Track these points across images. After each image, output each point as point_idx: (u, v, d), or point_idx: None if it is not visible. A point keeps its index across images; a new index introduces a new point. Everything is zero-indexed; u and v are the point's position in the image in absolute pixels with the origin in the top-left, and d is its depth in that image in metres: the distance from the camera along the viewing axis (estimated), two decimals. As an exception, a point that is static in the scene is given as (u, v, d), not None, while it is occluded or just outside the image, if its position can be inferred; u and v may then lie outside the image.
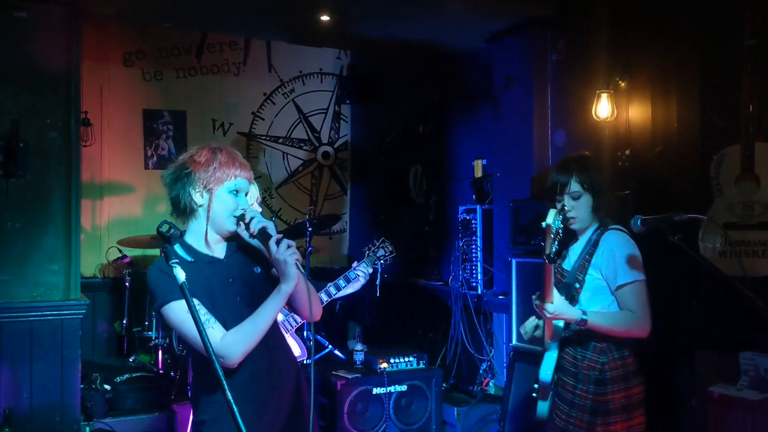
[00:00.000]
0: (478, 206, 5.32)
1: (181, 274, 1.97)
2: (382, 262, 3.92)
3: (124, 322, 5.86)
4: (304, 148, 7.38)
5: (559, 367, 2.90)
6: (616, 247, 2.82)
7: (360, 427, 4.67)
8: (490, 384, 5.16)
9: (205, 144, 2.39)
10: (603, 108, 4.28)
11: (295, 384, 2.44)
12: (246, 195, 2.37)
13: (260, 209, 3.28)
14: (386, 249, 3.94)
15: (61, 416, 4.43)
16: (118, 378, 5.07)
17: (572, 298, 2.87)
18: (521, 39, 5.02)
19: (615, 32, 4.32)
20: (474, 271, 5.29)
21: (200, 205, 2.30)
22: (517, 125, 5.07)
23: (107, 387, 4.94)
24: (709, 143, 3.70)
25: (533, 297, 2.80)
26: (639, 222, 2.62)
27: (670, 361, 3.88)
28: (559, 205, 2.87)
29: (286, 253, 2.17)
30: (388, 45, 5.76)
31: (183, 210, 2.33)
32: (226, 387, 1.76)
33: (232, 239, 2.38)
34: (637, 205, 3.77)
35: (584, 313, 2.75)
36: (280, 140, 7.26)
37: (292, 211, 7.27)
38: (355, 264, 3.78)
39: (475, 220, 5.30)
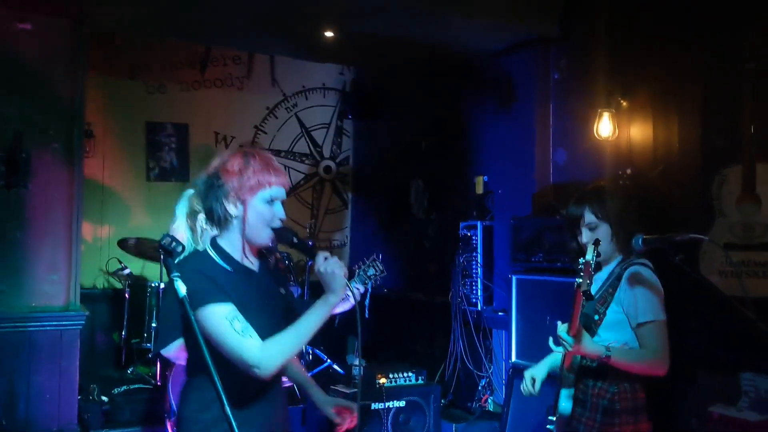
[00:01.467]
0: (479, 222, 5.33)
1: (182, 288, 1.93)
2: (372, 281, 3.70)
3: (123, 333, 5.85)
4: (306, 162, 7.40)
5: (576, 397, 2.83)
6: (640, 284, 2.77)
7: (357, 443, 4.64)
8: (489, 401, 5.14)
9: (238, 149, 2.26)
10: (604, 127, 4.30)
11: (283, 408, 2.37)
12: (282, 203, 2.24)
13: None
14: (377, 268, 3.70)
15: (58, 427, 4.41)
16: (115, 389, 5.06)
17: (589, 328, 2.81)
18: (523, 57, 5.05)
19: (617, 52, 4.34)
20: (474, 287, 5.29)
21: (234, 216, 2.19)
22: (518, 142, 5.09)
23: (104, 398, 4.93)
24: (710, 163, 3.71)
25: (560, 328, 2.73)
26: (640, 241, 2.62)
27: (671, 381, 3.86)
28: (582, 238, 2.85)
29: (336, 265, 2.11)
30: (390, 61, 5.79)
31: (218, 221, 2.22)
32: (224, 399, 1.74)
33: (262, 253, 2.30)
34: (638, 225, 3.76)
35: (608, 349, 2.70)
36: (282, 154, 7.28)
37: (293, 224, 7.28)
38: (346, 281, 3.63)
39: (476, 236, 5.30)
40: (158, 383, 5.36)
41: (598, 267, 2.94)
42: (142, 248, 5.89)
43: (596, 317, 2.83)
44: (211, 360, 2.01)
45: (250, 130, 7.15)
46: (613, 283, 2.82)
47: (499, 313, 5.08)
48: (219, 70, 6.96)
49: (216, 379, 1.77)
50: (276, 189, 2.20)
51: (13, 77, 4.42)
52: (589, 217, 2.85)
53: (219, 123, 6.99)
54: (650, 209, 3.96)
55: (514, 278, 4.60)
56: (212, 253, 2.21)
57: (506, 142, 5.23)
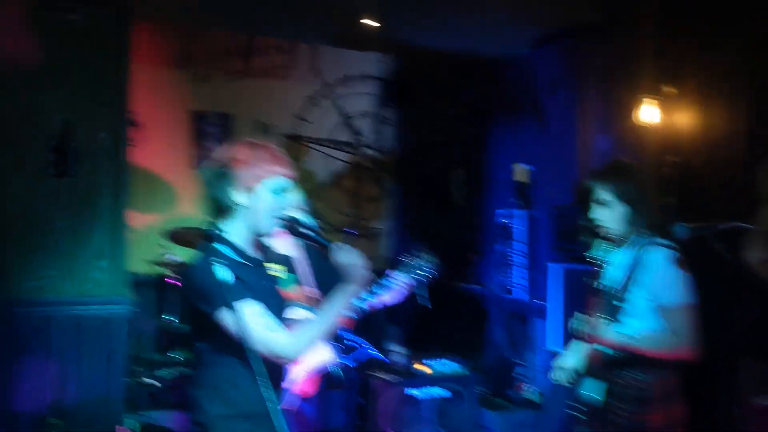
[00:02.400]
0: (519, 211, 5.29)
1: (223, 272, 2.00)
2: (420, 273, 3.55)
3: (170, 318, 5.98)
4: (347, 150, 7.42)
5: (606, 388, 2.80)
6: (663, 267, 2.68)
7: (397, 429, 4.68)
8: (528, 389, 5.12)
9: (243, 140, 2.28)
10: (649, 114, 4.22)
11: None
12: (288, 194, 2.28)
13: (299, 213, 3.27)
14: (426, 260, 3.57)
15: (106, 409, 4.55)
16: (161, 373, 5.18)
17: (615, 317, 2.75)
18: (567, 44, 4.98)
19: (662, 38, 4.25)
20: (513, 276, 5.26)
21: (240, 205, 2.20)
22: (560, 130, 5.03)
23: (151, 382, 5.05)
24: (756, 151, 3.61)
25: (577, 320, 2.70)
26: (682, 230, 2.57)
27: (712, 371, 3.79)
28: (591, 213, 2.79)
29: (354, 255, 2.18)
30: (432, 49, 5.77)
31: (222, 209, 2.22)
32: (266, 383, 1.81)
33: (261, 244, 2.31)
34: (680, 213, 3.69)
35: (629, 337, 2.67)
36: (324, 142, 7.32)
37: (333, 213, 7.32)
38: (389, 272, 3.54)
39: (516, 224, 5.27)
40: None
41: (615, 249, 2.86)
42: (187, 237, 6.00)
43: (618, 304, 2.75)
44: (231, 353, 2.12)
45: (292, 119, 7.21)
46: (631, 266, 2.72)
47: (538, 302, 5.05)
48: (262, 60, 7.02)
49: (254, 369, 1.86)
50: (282, 178, 2.22)
51: (62, 67, 4.53)
52: (600, 193, 2.75)
53: (262, 112, 7.05)
54: (693, 198, 3.89)
55: (553, 267, 4.56)
56: (223, 248, 2.20)
57: (548, 129, 5.17)
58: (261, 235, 2.26)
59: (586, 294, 2.80)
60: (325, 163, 7.37)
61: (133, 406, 4.77)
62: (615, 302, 2.73)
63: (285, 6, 4.86)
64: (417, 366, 4.79)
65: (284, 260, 3.27)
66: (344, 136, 7.41)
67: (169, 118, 6.70)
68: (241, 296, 2.10)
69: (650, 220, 2.79)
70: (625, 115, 4.48)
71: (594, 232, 2.82)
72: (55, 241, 4.50)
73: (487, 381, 5.39)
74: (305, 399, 3.38)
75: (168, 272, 6.15)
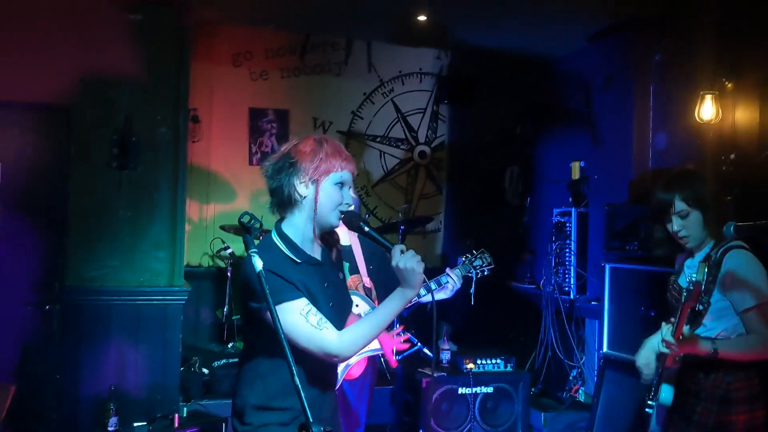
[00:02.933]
0: (573, 209, 5.21)
1: (258, 263, 2.01)
2: (477, 272, 3.67)
3: (225, 310, 6.13)
4: (402, 147, 7.45)
5: (680, 389, 2.78)
6: (741, 268, 2.69)
7: (444, 426, 4.68)
8: (580, 391, 5.04)
9: (308, 134, 2.30)
10: (707, 110, 4.10)
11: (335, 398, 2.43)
12: (350, 189, 2.29)
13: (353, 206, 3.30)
14: (484, 260, 3.69)
15: (162, 395, 4.69)
16: (215, 362, 5.31)
17: (695, 320, 2.71)
18: (622, 39, 4.87)
19: (722, 31, 4.12)
20: (567, 276, 5.18)
21: (304, 197, 2.20)
22: (616, 127, 4.93)
23: (205, 371, 5.18)
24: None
25: (665, 331, 2.65)
26: (732, 229, 2.50)
27: None
28: (669, 227, 2.79)
29: (414, 261, 2.10)
30: (486, 45, 5.73)
31: (285, 201, 2.23)
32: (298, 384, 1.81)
33: (325, 238, 2.32)
34: (739, 212, 3.58)
35: (714, 342, 2.65)
36: (378, 139, 7.36)
37: (387, 209, 7.36)
38: (448, 269, 3.60)
39: (570, 223, 5.19)
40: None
41: (690, 254, 2.85)
42: (238, 230, 6.14)
43: (700, 308, 2.70)
44: (277, 350, 2.07)
45: (347, 116, 7.27)
46: (712, 270, 2.69)
47: (592, 302, 4.96)
48: (318, 57, 7.10)
49: (293, 366, 1.84)
50: (346, 174, 2.24)
51: (125, 65, 4.69)
52: (679, 204, 2.76)
53: (317, 109, 7.15)
54: (754, 196, 3.76)
55: (607, 267, 4.48)
56: (279, 242, 2.23)
57: (604, 126, 5.08)
58: (324, 228, 2.26)
59: (651, 297, 2.77)
60: (380, 160, 7.41)
61: (188, 394, 4.89)
62: (698, 306, 2.71)
63: (340, 3, 4.90)
64: (467, 364, 4.77)
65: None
66: (399, 133, 7.44)
67: (227, 114, 6.86)
68: (288, 293, 2.12)
69: (723, 221, 2.76)
70: (682, 110, 4.36)
71: (672, 242, 2.82)
72: (116, 232, 4.67)
73: (538, 381, 5.34)
74: (350, 382, 3.43)
75: (224, 264, 6.31)
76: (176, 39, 4.83)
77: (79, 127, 4.63)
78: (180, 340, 4.80)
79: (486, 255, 3.74)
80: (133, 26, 4.70)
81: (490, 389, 4.80)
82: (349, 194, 2.27)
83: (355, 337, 2.15)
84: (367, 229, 2.23)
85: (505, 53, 5.96)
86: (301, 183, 2.20)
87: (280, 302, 2.12)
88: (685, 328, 2.64)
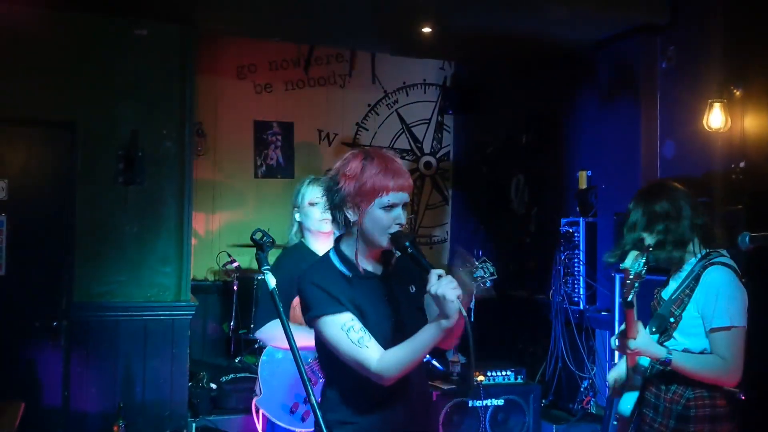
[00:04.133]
0: (581, 219, 5.18)
1: (271, 281, 2.00)
2: (479, 283, 3.60)
3: (232, 324, 6.10)
4: (407, 158, 7.44)
5: (640, 400, 2.74)
6: (718, 286, 2.61)
7: (455, 439, 4.64)
8: (591, 403, 4.99)
9: (359, 150, 2.20)
10: (716, 118, 4.08)
11: (423, 414, 2.32)
12: (404, 207, 2.16)
13: (322, 211, 3.17)
14: (486, 270, 3.61)
15: (170, 411, 4.68)
16: (223, 378, 5.28)
17: (665, 332, 2.69)
18: (629, 46, 4.85)
19: (730, 38, 4.10)
20: (576, 286, 5.15)
21: (353, 222, 2.14)
22: (623, 135, 4.91)
23: (213, 386, 5.16)
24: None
25: (613, 338, 2.68)
26: (747, 239, 2.47)
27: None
28: (648, 240, 2.72)
29: (448, 288, 1.94)
30: (490, 54, 5.72)
31: (340, 224, 2.19)
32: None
33: (387, 254, 2.23)
34: (750, 221, 3.56)
35: (669, 352, 2.58)
36: (383, 150, 7.35)
37: (393, 220, 7.35)
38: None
39: (578, 232, 5.15)
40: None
41: (680, 262, 2.76)
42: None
43: (672, 320, 2.68)
44: (333, 365, 2.14)
45: (351, 128, 7.27)
46: (690, 283, 2.67)
47: (603, 313, 4.92)
48: (322, 69, 7.11)
49: (307, 383, 1.85)
50: (393, 195, 2.11)
51: (131, 80, 4.71)
52: (659, 217, 2.69)
53: (322, 121, 7.15)
54: (764, 204, 3.73)
55: (617, 277, 4.44)
56: (334, 257, 2.21)
57: (611, 134, 5.05)
58: (375, 249, 2.18)
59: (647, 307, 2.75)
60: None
61: (196, 409, 4.87)
62: (667, 317, 2.68)
63: (343, 16, 4.90)
64: (477, 376, 4.73)
65: None
66: (404, 144, 7.43)
67: (232, 127, 6.86)
68: (330, 306, 2.09)
69: (709, 238, 2.73)
70: (690, 118, 4.34)
71: (655, 255, 2.76)
72: (123, 247, 4.67)
73: (549, 393, 5.29)
74: None
75: (230, 278, 6.29)
76: (181, 53, 4.84)
77: (84, 142, 4.63)
78: (188, 355, 4.78)
79: (488, 265, 3.65)
80: (138, 41, 4.71)
81: (500, 401, 4.76)
82: (401, 215, 2.13)
83: (395, 359, 2.05)
84: (410, 250, 2.09)
85: (510, 62, 5.95)
86: (348, 208, 2.14)
87: (320, 315, 2.10)
88: (654, 337, 2.62)
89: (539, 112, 6.06)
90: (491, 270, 3.64)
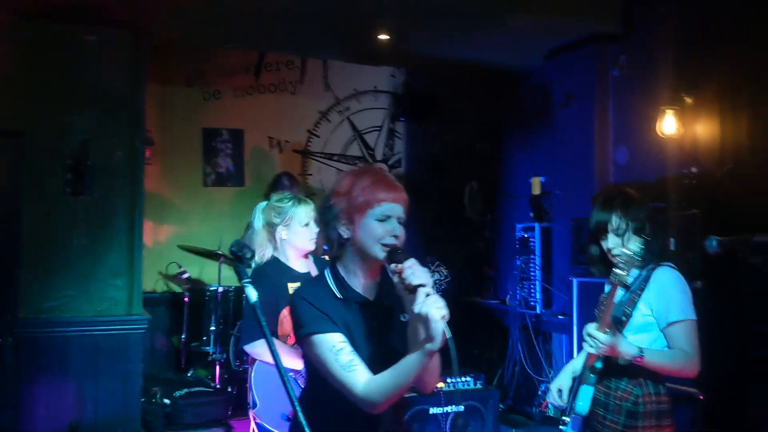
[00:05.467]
0: (536, 224, 5.25)
1: (252, 294, 1.94)
2: (435, 288, 3.74)
3: (183, 336, 5.94)
4: (359, 165, 7.41)
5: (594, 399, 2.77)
6: (669, 284, 2.72)
7: (417, 447, 4.62)
8: (550, 406, 5.05)
9: (352, 169, 2.20)
10: (668, 124, 4.19)
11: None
12: (399, 221, 2.09)
13: (317, 229, 3.25)
14: (441, 274, 3.76)
15: (122, 429, 4.51)
16: (177, 392, 5.13)
17: (616, 330, 2.73)
18: (582, 55, 4.96)
19: (681, 47, 4.23)
20: (532, 290, 5.21)
21: (347, 239, 2.09)
22: (577, 142, 5.00)
23: (167, 401, 5.01)
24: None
25: (590, 327, 2.67)
26: (715, 243, 2.53)
27: (741, 385, 3.74)
28: (604, 244, 2.79)
29: (432, 307, 1.86)
30: (445, 62, 5.76)
31: (334, 245, 2.14)
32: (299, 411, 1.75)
33: (383, 278, 2.17)
34: (705, 225, 3.66)
35: (641, 350, 2.63)
36: (335, 157, 7.31)
37: (346, 228, 7.31)
38: None
39: (534, 238, 5.23)
40: (218, 386, 5.44)
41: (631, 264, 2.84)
42: (196, 251, 5.98)
43: (623, 318, 2.76)
44: (316, 384, 2.10)
45: (303, 135, 7.21)
46: (640, 284, 2.76)
47: (559, 317, 5.00)
48: (273, 76, 7.03)
49: (294, 399, 1.78)
50: (387, 206, 2.07)
51: (79, 88, 4.55)
52: (616, 222, 2.76)
53: (273, 128, 7.06)
54: (717, 209, 3.85)
55: (575, 281, 4.52)
56: (329, 278, 2.16)
57: (564, 142, 5.14)
58: (371, 263, 2.11)
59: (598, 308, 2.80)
60: (336, 178, 7.36)
61: (149, 427, 4.72)
62: (619, 316, 2.74)
63: (295, 22, 4.86)
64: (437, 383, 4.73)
65: (301, 277, 3.25)
66: (356, 151, 7.40)
67: (180, 135, 6.71)
68: (321, 325, 2.04)
69: (660, 243, 2.81)
70: (643, 125, 4.46)
71: (606, 261, 2.83)
72: (72, 260, 4.49)
73: (507, 397, 5.34)
74: None
75: (181, 289, 6.13)
76: (131, 60, 4.70)
77: (32, 152, 4.44)
78: (141, 370, 4.63)
79: (442, 269, 3.77)
80: (87, 48, 4.55)
81: (460, 407, 4.76)
82: (397, 228, 2.07)
83: (381, 385, 1.97)
84: (402, 261, 2.00)
85: (463, 70, 6.00)
86: (341, 225, 2.10)
87: (312, 333, 2.04)
88: (606, 336, 2.64)
89: (492, 120, 6.13)
90: (445, 273, 3.74)
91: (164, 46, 6.29)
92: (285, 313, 3.10)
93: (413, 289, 1.93)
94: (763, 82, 3.83)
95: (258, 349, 3.12)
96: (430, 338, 1.88)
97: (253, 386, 3.22)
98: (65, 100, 4.50)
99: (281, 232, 3.29)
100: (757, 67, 3.87)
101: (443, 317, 1.86)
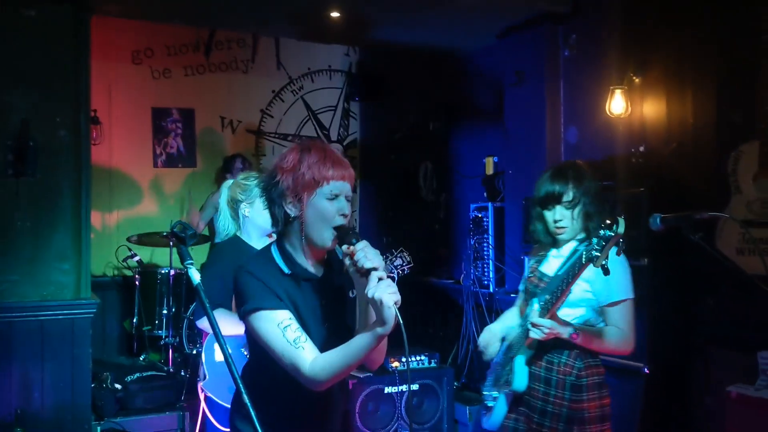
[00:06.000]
0: (489, 204, 5.28)
1: (195, 276, 1.90)
2: (399, 272, 3.75)
3: (134, 320, 5.85)
4: (300, 140, 7.34)
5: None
6: (613, 264, 2.65)
7: (371, 427, 4.64)
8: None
9: (295, 143, 2.14)
10: (617, 104, 4.24)
11: (342, 412, 2.30)
12: (347, 199, 2.07)
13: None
14: (404, 258, 3.81)
15: (72, 416, 4.41)
16: (128, 377, 5.05)
17: (551, 305, 2.75)
18: (532, 35, 4.97)
19: (629, 27, 4.27)
20: (486, 269, 5.25)
21: (294, 217, 2.05)
22: (529, 122, 5.03)
23: (118, 386, 4.93)
24: (726, 139, 3.65)
25: (531, 316, 2.64)
26: (658, 220, 2.57)
27: (685, 360, 3.84)
28: (549, 215, 2.79)
29: (385, 292, 1.84)
30: (398, 41, 5.72)
31: (279, 223, 2.08)
32: (252, 409, 1.74)
33: (330, 254, 2.15)
34: (652, 203, 3.73)
35: (576, 330, 2.66)
36: (289, 138, 7.23)
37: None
38: None
39: (487, 217, 5.26)
40: (171, 370, 5.37)
41: (556, 243, 2.87)
42: (147, 241, 5.90)
43: (562, 295, 2.76)
44: (260, 362, 2.07)
45: (256, 114, 7.11)
46: (578, 260, 2.69)
47: (512, 295, 5.04)
48: (223, 54, 6.90)
49: (238, 376, 1.75)
50: (335, 184, 2.03)
51: (18, 65, 4.36)
52: (569, 195, 2.76)
53: (225, 107, 6.96)
54: (663, 186, 3.92)
55: (527, 259, 4.55)
56: (275, 253, 2.12)
57: (516, 121, 5.17)
58: (319, 247, 2.08)
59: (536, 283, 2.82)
60: (281, 154, 7.28)
61: (100, 412, 4.64)
62: (556, 291, 2.74)
63: (247, -1, 4.76)
64: (392, 362, 4.75)
65: None
66: (310, 131, 7.33)
67: (128, 115, 6.56)
68: (268, 301, 2.00)
69: (603, 218, 2.80)
70: (593, 105, 4.50)
71: (548, 233, 2.83)
72: (15, 244, 4.34)
73: (461, 375, 5.39)
74: None
75: (131, 273, 6.02)
76: (73, 35, 4.53)
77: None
78: (90, 355, 4.52)
79: (405, 254, 3.82)
80: (26, 23, 4.38)
81: (415, 386, 4.80)
82: (345, 206, 2.05)
83: (328, 364, 1.95)
84: (354, 242, 1.98)
85: (417, 49, 5.97)
86: (287, 202, 2.05)
87: (257, 309, 2.00)
88: (538, 310, 2.64)
89: (446, 100, 6.12)
90: (408, 259, 3.78)
91: (108, 22, 6.10)
92: None
93: (365, 273, 1.90)
94: (704, 62, 3.90)
95: (207, 323, 3.08)
96: (381, 322, 1.87)
97: (203, 358, 3.24)
98: (2, 78, 4.33)
99: (244, 209, 3.27)
100: (699, 47, 3.93)
101: (396, 303, 1.84)
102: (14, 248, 4.34)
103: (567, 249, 2.81)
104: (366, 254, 1.92)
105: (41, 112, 4.41)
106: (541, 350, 2.75)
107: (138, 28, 6.43)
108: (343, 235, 2.02)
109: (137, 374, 5.13)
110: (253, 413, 1.73)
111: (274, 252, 2.13)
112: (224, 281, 2.91)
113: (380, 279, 1.88)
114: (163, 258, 6.12)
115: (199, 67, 6.81)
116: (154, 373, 5.24)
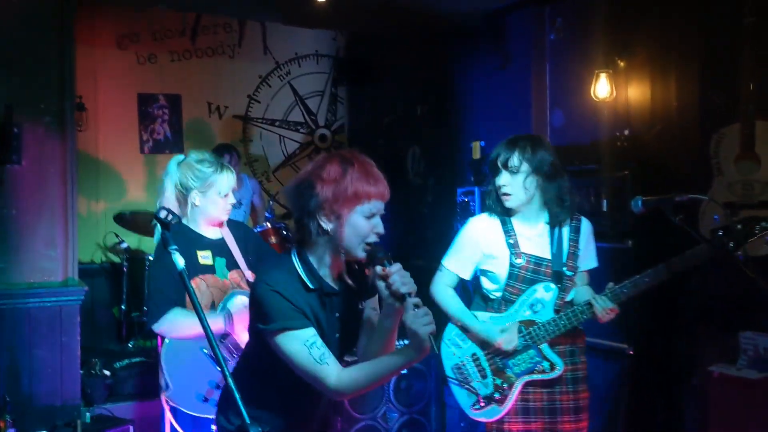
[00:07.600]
0: (476, 188, 5.29)
1: (180, 261, 1.91)
2: (383, 262, 3.68)
3: (123, 307, 5.85)
4: (301, 131, 7.34)
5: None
6: (591, 233, 2.98)
7: (359, 410, 4.67)
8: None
9: (334, 154, 2.05)
10: (602, 88, 4.26)
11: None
12: (381, 216, 2.04)
13: (234, 200, 3.08)
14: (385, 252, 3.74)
15: (61, 402, 4.43)
16: (117, 363, 5.07)
17: (567, 287, 2.88)
18: (519, 18, 4.98)
19: (614, 11, 4.28)
20: (473, 253, 5.27)
21: (327, 232, 2.00)
22: (514, 105, 5.05)
23: (107, 372, 4.95)
24: (709, 122, 3.68)
25: (601, 301, 2.79)
26: (640, 203, 2.61)
27: (670, 340, 3.89)
28: (497, 180, 2.84)
29: (421, 325, 1.85)
30: (383, 25, 5.70)
31: (309, 234, 2.02)
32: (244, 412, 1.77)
33: (349, 265, 2.14)
34: (636, 186, 3.76)
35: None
36: (277, 123, 7.22)
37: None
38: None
39: (474, 202, 5.27)
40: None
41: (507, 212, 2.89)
42: (138, 222, 5.87)
43: (570, 273, 2.87)
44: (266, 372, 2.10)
45: (243, 100, 7.08)
46: (572, 236, 2.90)
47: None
48: (210, 39, 6.86)
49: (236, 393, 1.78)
50: (377, 203, 2.00)
51: (1, 51, 4.33)
52: (514, 161, 2.78)
53: (211, 93, 6.92)
54: (648, 169, 3.95)
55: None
56: (299, 267, 2.06)
57: (502, 105, 5.18)
58: (349, 258, 2.07)
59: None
60: (280, 144, 7.28)
61: (89, 399, 4.65)
62: (567, 272, 2.82)
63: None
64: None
65: (212, 245, 3.05)
66: (298, 117, 7.32)
67: (114, 101, 6.52)
68: (297, 320, 1.99)
69: (565, 194, 2.85)
70: (578, 89, 4.52)
71: (497, 197, 2.87)
72: (2, 230, 4.34)
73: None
74: None
75: (119, 259, 6.02)
76: (59, 21, 4.50)
77: (-48, 119, 4.25)
78: (78, 342, 4.52)
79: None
80: (9, 7, 4.34)
81: (403, 370, 4.82)
82: (380, 225, 2.02)
83: (355, 379, 1.98)
84: (386, 264, 1.98)
85: (403, 33, 5.96)
86: (322, 216, 1.99)
87: (284, 330, 1.98)
88: (555, 291, 2.84)
89: (433, 84, 6.12)
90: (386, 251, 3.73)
91: (95, 8, 6.06)
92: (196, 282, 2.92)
93: (401, 297, 1.92)
94: (687, 46, 3.92)
95: (166, 326, 2.86)
96: (415, 349, 1.90)
97: (163, 367, 2.96)
98: (-15, 64, 4.31)
99: (195, 197, 2.98)
100: (681, 32, 3.95)
101: (431, 334, 1.86)
102: (1, 235, 4.33)
103: (540, 228, 2.89)
104: (402, 278, 1.93)
105: (26, 98, 4.38)
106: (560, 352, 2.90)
107: (123, 13, 6.39)
108: (375, 253, 2.01)
109: (126, 360, 5.15)
110: (244, 412, 1.77)
111: (297, 265, 2.07)
112: (171, 275, 2.66)
113: (416, 306, 1.88)
114: (151, 245, 6.08)
115: (185, 53, 6.77)
116: (142, 359, 5.26)
